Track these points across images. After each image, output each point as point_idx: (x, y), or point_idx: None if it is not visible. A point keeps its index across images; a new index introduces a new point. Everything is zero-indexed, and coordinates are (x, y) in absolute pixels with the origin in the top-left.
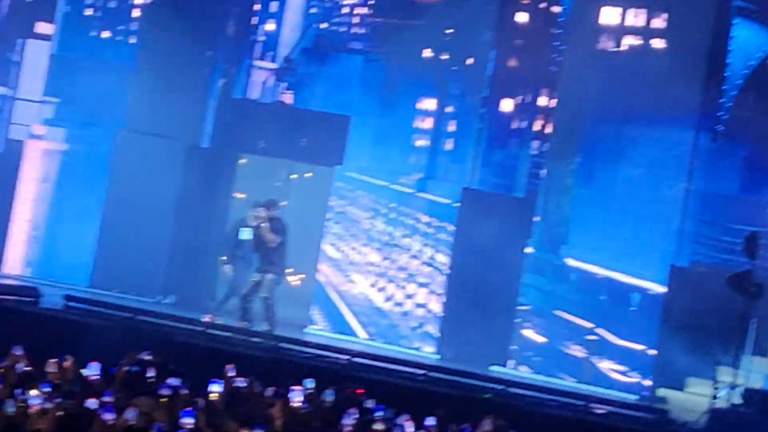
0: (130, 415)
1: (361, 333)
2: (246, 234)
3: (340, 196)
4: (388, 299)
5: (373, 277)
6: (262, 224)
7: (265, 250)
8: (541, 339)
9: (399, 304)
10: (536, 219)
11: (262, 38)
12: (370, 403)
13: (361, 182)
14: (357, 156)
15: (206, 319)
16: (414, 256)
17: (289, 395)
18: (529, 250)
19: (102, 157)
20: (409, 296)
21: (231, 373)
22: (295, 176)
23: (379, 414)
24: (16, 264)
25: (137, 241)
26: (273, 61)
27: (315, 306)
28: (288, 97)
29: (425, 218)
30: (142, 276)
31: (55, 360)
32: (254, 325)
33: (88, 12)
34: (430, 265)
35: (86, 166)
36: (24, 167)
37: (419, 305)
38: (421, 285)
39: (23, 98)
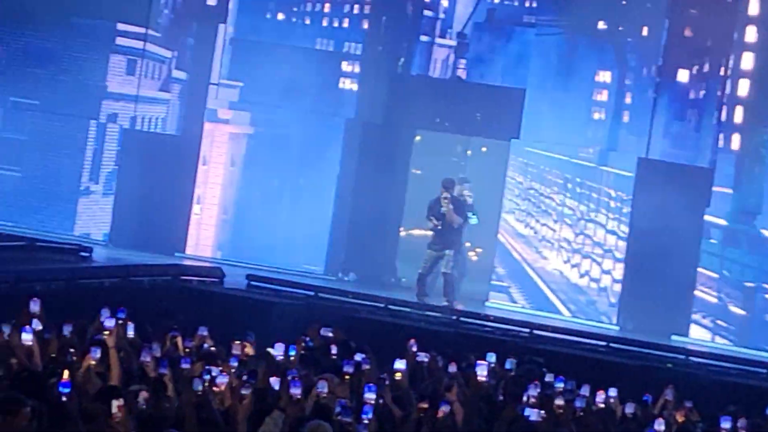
0: (321, 387)
1: (564, 311)
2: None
3: (524, 173)
4: (584, 275)
5: (566, 253)
6: (449, 206)
7: (447, 229)
8: (741, 312)
9: (596, 280)
10: (727, 191)
11: (441, 16)
12: (550, 376)
13: (543, 157)
14: (536, 131)
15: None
16: (611, 231)
17: (474, 369)
18: (721, 222)
19: (286, 139)
20: (606, 272)
21: (413, 348)
22: (469, 152)
23: (559, 385)
24: (206, 247)
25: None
26: (447, 37)
27: (513, 284)
28: (462, 72)
29: (612, 192)
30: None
31: (240, 341)
32: (433, 301)
33: None
34: (626, 239)
35: (271, 149)
36: (212, 152)
37: (617, 281)
38: (619, 260)
39: (207, 82)
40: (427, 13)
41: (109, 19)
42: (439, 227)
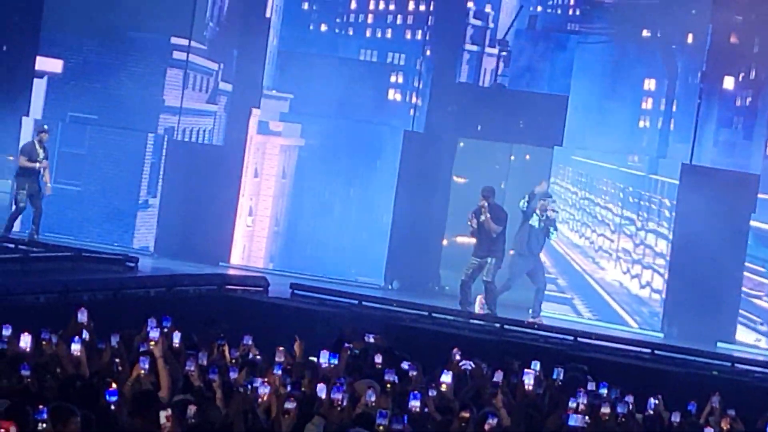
0: (369, 396)
1: (631, 322)
2: (534, 221)
3: (575, 182)
4: (644, 286)
5: (624, 264)
6: (487, 214)
7: (487, 237)
8: None
9: (658, 291)
10: None
11: (490, 25)
12: (593, 384)
13: (591, 166)
14: (583, 139)
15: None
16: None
17: (520, 378)
18: None
19: (336, 151)
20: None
21: (457, 357)
22: (512, 157)
23: (603, 391)
24: (258, 259)
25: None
26: (490, 45)
27: (576, 295)
28: (504, 80)
29: (667, 201)
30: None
31: (283, 348)
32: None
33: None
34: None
35: (321, 160)
36: (264, 164)
37: None
38: None
39: (249, 93)
40: (471, 22)
41: (164, 33)
42: (476, 233)
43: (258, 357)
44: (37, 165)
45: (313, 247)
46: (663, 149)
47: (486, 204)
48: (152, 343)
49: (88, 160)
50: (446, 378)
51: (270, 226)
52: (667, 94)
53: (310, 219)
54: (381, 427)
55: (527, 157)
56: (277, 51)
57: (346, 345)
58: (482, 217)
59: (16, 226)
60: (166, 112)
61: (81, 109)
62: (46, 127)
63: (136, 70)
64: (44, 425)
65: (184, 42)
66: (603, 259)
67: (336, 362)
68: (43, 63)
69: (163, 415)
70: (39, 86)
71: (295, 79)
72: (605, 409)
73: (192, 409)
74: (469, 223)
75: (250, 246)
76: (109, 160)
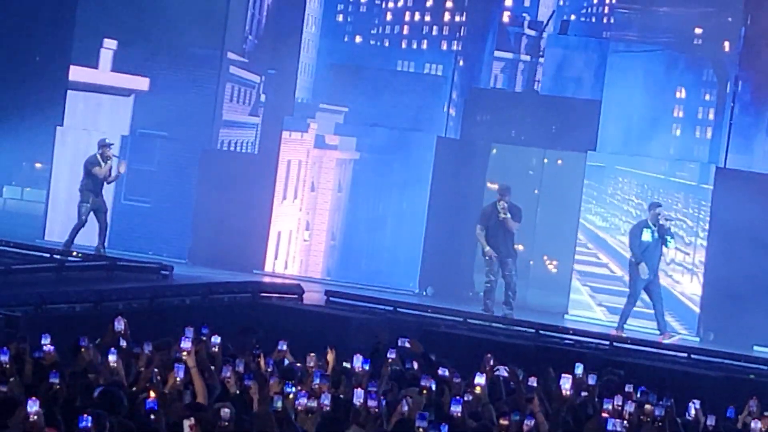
0: (404, 406)
1: None
2: (647, 235)
3: (628, 193)
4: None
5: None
6: (507, 213)
7: (506, 237)
8: None
9: None
10: None
11: (526, 31)
12: (630, 388)
13: (642, 177)
14: (628, 149)
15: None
16: None
17: (555, 383)
18: None
19: (388, 164)
20: None
21: (490, 363)
22: (546, 160)
23: (640, 395)
24: (315, 273)
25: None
26: (522, 50)
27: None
28: (536, 85)
29: None
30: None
31: (314, 354)
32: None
33: (339, 18)
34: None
35: (374, 173)
36: (320, 177)
37: None
38: None
39: (283, 103)
40: (504, 27)
41: (221, 49)
42: (486, 235)
43: (298, 365)
44: (108, 168)
45: (368, 261)
46: (715, 158)
47: (506, 204)
48: (184, 353)
49: (158, 176)
50: (480, 380)
51: (326, 240)
52: (702, 101)
53: (365, 232)
54: (421, 430)
55: (559, 162)
56: (316, 63)
57: (389, 355)
58: (501, 216)
59: (85, 240)
60: (224, 126)
61: (150, 125)
62: (108, 141)
63: (200, 86)
64: None
65: (235, 57)
66: (676, 273)
67: (367, 368)
68: (130, 81)
69: (187, 424)
70: (126, 103)
71: (341, 91)
72: (643, 414)
73: (225, 413)
74: (478, 232)
75: (307, 260)
76: (179, 175)
